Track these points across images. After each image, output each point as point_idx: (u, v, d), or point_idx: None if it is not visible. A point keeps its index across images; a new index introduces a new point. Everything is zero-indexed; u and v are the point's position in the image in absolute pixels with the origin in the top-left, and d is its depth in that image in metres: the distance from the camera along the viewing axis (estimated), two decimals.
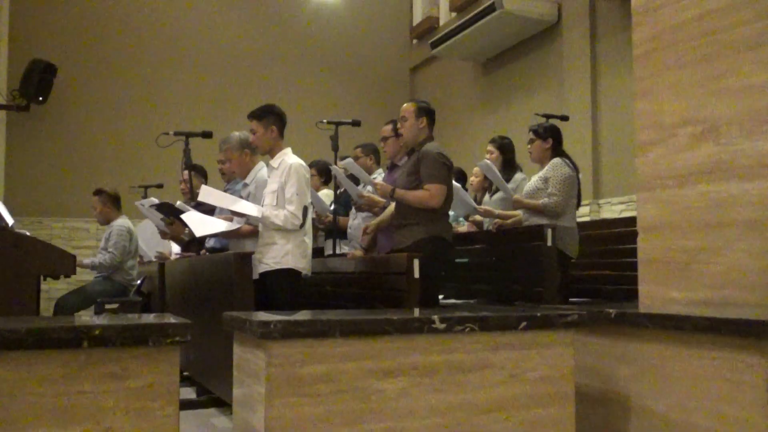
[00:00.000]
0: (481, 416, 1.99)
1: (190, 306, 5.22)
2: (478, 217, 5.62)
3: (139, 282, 6.78)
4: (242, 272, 4.11)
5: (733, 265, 2.71)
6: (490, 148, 5.46)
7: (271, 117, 4.37)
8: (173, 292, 5.92)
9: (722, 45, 2.76)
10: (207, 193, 4.36)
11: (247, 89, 10.06)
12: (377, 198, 4.63)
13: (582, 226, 5.72)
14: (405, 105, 4.42)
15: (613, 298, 5.03)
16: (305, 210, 4.24)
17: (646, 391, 2.11)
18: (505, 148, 5.41)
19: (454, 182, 5.30)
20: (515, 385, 2.02)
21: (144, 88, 10.02)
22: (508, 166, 5.38)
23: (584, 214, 7.61)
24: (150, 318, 1.83)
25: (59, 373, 1.60)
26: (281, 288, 4.18)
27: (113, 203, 6.66)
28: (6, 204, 8.61)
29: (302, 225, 4.22)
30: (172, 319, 1.73)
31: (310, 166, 6.70)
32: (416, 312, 2.25)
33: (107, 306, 5.95)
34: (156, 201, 5.52)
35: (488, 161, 5.14)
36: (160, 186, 7.56)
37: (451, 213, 5.26)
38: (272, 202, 4.24)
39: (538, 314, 2.07)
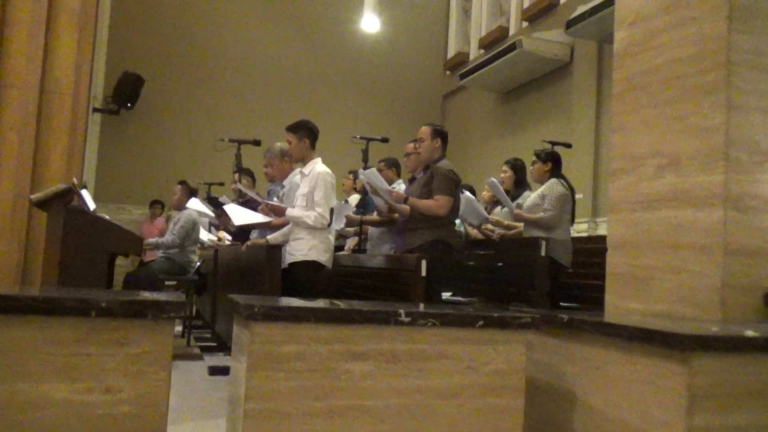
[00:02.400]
0: (438, 400, 1.95)
1: (235, 286, 5.27)
2: (489, 226, 5.59)
3: (198, 264, 6.88)
4: (271, 261, 4.13)
5: (684, 283, 2.62)
6: (504, 167, 5.43)
7: (304, 130, 4.39)
8: (223, 273, 6.00)
9: (686, 89, 2.67)
10: (234, 212, 4.50)
11: (295, 105, 10.15)
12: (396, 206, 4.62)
13: (580, 240, 5.62)
14: (423, 128, 4.42)
15: (600, 304, 4.93)
16: (331, 211, 4.24)
17: (588, 389, 2.05)
18: (517, 168, 5.37)
19: (469, 195, 5.28)
20: (471, 375, 1.98)
21: (212, 101, 10.22)
22: (519, 184, 5.33)
23: (583, 230, 7.49)
24: (150, 296, 1.85)
25: (69, 337, 1.62)
26: (304, 277, 4.18)
27: (189, 195, 6.78)
28: (96, 192, 8.86)
29: (329, 224, 4.23)
30: (168, 298, 1.75)
31: (350, 172, 6.74)
32: (422, 306, 2.24)
33: (167, 283, 6.03)
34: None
35: (494, 179, 5.11)
36: (221, 184, 7.65)
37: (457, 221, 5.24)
38: (303, 204, 4.26)
39: (495, 315, 2.03)
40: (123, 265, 8.07)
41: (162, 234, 7.93)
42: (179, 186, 6.77)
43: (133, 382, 1.66)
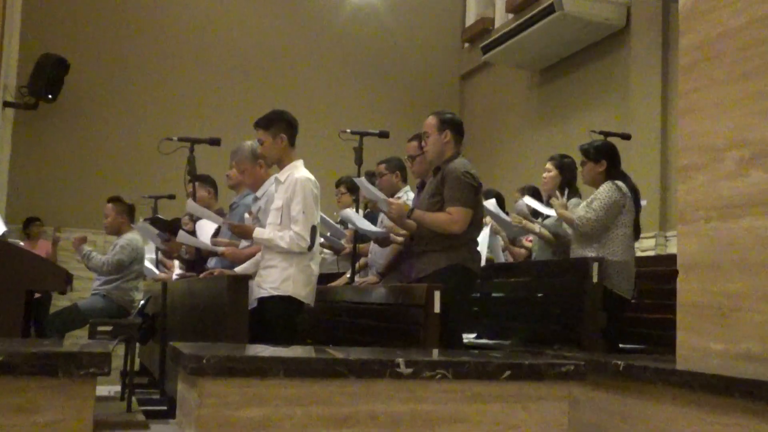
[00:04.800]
0: None
1: (189, 331, 5.26)
2: (525, 242, 5.59)
3: (142, 302, 6.88)
4: (235, 297, 4.12)
5: None
6: (548, 166, 5.42)
7: (280, 125, 4.37)
8: (174, 315, 5.99)
9: None
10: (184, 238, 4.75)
11: (265, 93, 10.12)
12: (397, 228, 4.60)
13: (645, 261, 5.59)
14: (428, 119, 4.41)
15: (673, 345, 4.90)
16: (313, 230, 4.22)
17: None
18: (566, 168, 5.37)
19: (496, 208, 5.26)
20: None
21: (162, 90, 10.20)
22: (565, 187, 5.32)
23: (649, 247, 7.46)
24: (62, 346, 1.84)
25: None
26: (278, 317, 4.17)
27: (127, 214, 6.79)
28: (8, 209, 8.87)
29: (310, 247, 4.21)
30: (87, 348, 1.73)
31: (338, 183, 6.72)
32: (429, 353, 2.22)
33: (100, 328, 6.03)
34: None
35: (521, 203, 5.15)
36: (171, 197, 7.64)
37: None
38: (276, 221, 4.24)
39: (526, 362, 2.01)
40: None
41: None
42: (110, 205, 6.77)
43: None
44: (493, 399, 1.98)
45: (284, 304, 4.18)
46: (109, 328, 6.03)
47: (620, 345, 4.78)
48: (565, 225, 4.93)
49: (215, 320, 4.40)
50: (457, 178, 4.14)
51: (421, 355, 2.03)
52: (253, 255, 4.59)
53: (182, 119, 9.77)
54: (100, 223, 7.15)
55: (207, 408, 1.77)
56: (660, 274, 5.22)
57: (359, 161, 5.30)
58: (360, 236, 5.41)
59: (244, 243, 4.76)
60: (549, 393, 2.02)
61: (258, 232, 4.27)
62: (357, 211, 5.53)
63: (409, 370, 1.90)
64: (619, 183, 4.70)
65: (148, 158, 9.34)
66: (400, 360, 1.89)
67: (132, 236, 6.62)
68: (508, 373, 1.98)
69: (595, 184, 4.84)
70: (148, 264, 7.06)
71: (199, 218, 5.50)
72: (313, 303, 4.38)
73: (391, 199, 4.48)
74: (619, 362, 2.14)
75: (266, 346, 2.24)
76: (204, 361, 1.76)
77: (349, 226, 6.01)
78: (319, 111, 10.21)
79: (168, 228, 5.21)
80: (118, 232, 6.73)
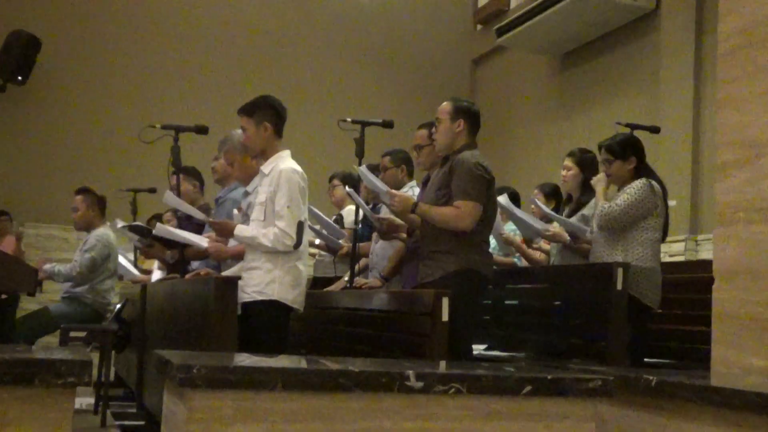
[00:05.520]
0: None
1: (172, 339, 5.25)
2: (543, 244, 5.59)
3: (118, 306, 6.87)
4: (223, 302, 4.11)
5: None
6: (567, 163, 5.41)
7: (265, 112, 4.37)
8: (155, 320, 5.99)
9: None
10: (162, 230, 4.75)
11: (258, 78, 10.11)
12: (398, 220, 4.60)
13: (673, 267, 5.59)
14: (442, 104, 4.42)
15: (705, 360, 4.91)
16: (300, 226, 4.22)
17: None
18: (586, 164, 5.35)
19: (508, 203, 5.27)
20: None
21: (144, 72, 10.19)
22: (588, 186, 5.32)
23: (678, 252, 7.48)
24: (39, 353, 1.84)
25: None
26: (264, 324, 4.17)
27: (98, 207, 6.77)
28: None
29: (297, 245, 4.21)
30: (66, 356, 1.73)
31: (331, 178, 6.72)
32: (441, 365, 2.21)
33: (72, 334, 6.02)
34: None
35: (537, 199, 5.16)
36: (152, 191, 7.66)
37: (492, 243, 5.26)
38: (259, 217, 4.25)
39: (548, 377, 2.00)
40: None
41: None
42: (79, 197, 6.75)
43: None
44: (512, 417, 1.97)
45: (270, 309, 4.18)
46: (82, 335, 6.03)
47: (646, 359, 4.79)
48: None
49: (200, 327, 4.39)
50: (468, 169, 4.13)
51: (432, 368, 2.03)
52: (239, 253, 4.58)
53: (166, 105, 9.77)
54: (70, 216, 7.14)
55: (197, 423, 1.76)
56: (690, 281, 5.23)
57: (360, 153, 5.31)
58: (360, 235, 5.40)
59: (232, 242, 4.75)
60: (574, 411, 2.02)
61: (240, 230, 4.27)
62: (356, 209, 5.53)
63: (420, 384, 1.89)
64: (654, 183, 4.68)
65: (128, 148, 9.35)
66: (410, 372, 1.89)
67: (104, 231, 6.61)
68: (528, 388, 1.98)
69: (625, 184, 4.82)
70: (125, 263, 7.05)
71: (183, 213, 5.50)
72: (303, 308, 4.38)
73: (394, 191, 4.48)
74: (651, 378, 2.14)
75: (261, 356, 2.24)
76: (194, 371, 1.75)
77: (345, 225, 6.02)
78: (316, 97, 10.21)
79: (148, 235, 5.22)
80: (88, 227, 6.71)
